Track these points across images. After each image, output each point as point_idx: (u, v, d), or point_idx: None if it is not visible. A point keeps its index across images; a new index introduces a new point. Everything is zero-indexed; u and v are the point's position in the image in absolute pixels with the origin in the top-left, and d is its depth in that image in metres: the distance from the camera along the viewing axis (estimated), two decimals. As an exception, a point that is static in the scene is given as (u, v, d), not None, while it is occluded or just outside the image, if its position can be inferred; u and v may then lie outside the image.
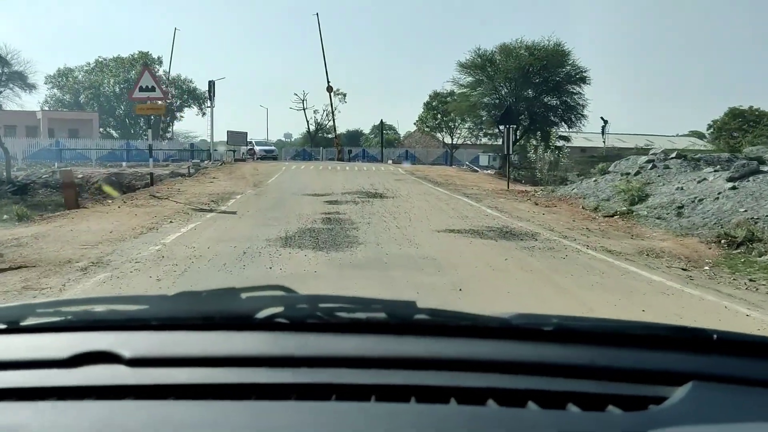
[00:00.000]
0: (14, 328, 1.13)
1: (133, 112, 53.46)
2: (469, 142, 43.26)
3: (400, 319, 1.13)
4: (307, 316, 1.13)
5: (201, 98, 55.37)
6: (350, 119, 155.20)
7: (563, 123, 33.69)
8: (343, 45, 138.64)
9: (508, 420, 0.83)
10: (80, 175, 20.06)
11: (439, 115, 44.24)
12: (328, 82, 48.64)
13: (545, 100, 33.59)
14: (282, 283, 1.29)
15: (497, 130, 33.54)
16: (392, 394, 0.90)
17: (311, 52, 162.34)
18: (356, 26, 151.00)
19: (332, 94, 49.28)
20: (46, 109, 51.93)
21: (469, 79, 33.99)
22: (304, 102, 59.57)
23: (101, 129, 54.77)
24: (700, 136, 58.30)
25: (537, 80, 32.66)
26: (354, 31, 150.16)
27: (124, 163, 30.17)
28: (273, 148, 45.12)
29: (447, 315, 1.15)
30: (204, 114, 56.41)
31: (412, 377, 0.94)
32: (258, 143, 43.05)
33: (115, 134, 55.60)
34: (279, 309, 1.12)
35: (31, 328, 1.14)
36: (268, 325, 1.10)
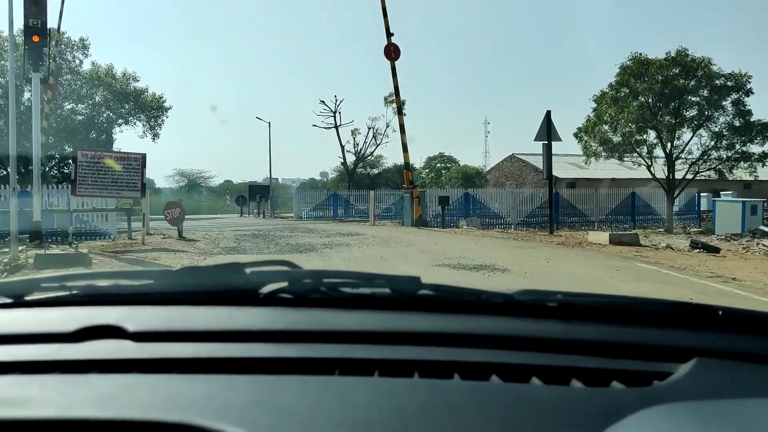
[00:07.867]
0: (19, 302, 1.14)
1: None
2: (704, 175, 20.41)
3: (404, 294, 1.13)
4: (311, 291, 1.13)
5: (153, 108, 30.07)
6: (395, 151, 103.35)
7: None
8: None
9: (512, 395, 0.83)
10: None
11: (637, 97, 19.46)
12: (389, 35, 20.20)
13: None
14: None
15: None
16: (396, 368, 0.90)
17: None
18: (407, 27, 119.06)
19: (394, 67, 20.47)
20: None
21: None
22: (337, 115, 34.74)
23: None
24: None
25: None
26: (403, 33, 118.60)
27: None
28: None
29: (451, 290, 1.16)
30: (156, 136, 30.65)
31: (415, 352, 0.94)
32: None
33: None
34: (283, 284, 1.13)
35: (36, 303, 1.14)
36: (272, 300, 1.11)
